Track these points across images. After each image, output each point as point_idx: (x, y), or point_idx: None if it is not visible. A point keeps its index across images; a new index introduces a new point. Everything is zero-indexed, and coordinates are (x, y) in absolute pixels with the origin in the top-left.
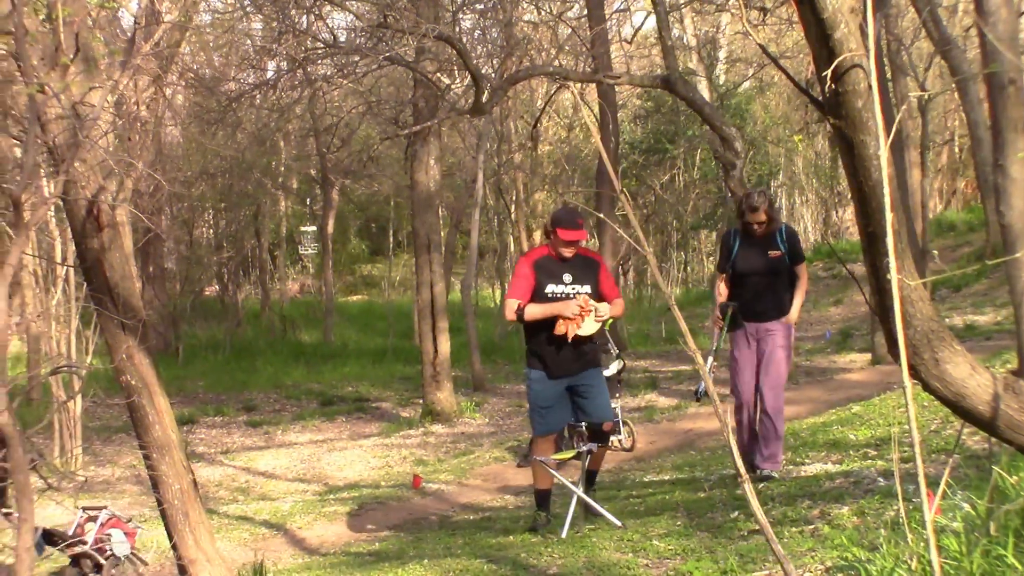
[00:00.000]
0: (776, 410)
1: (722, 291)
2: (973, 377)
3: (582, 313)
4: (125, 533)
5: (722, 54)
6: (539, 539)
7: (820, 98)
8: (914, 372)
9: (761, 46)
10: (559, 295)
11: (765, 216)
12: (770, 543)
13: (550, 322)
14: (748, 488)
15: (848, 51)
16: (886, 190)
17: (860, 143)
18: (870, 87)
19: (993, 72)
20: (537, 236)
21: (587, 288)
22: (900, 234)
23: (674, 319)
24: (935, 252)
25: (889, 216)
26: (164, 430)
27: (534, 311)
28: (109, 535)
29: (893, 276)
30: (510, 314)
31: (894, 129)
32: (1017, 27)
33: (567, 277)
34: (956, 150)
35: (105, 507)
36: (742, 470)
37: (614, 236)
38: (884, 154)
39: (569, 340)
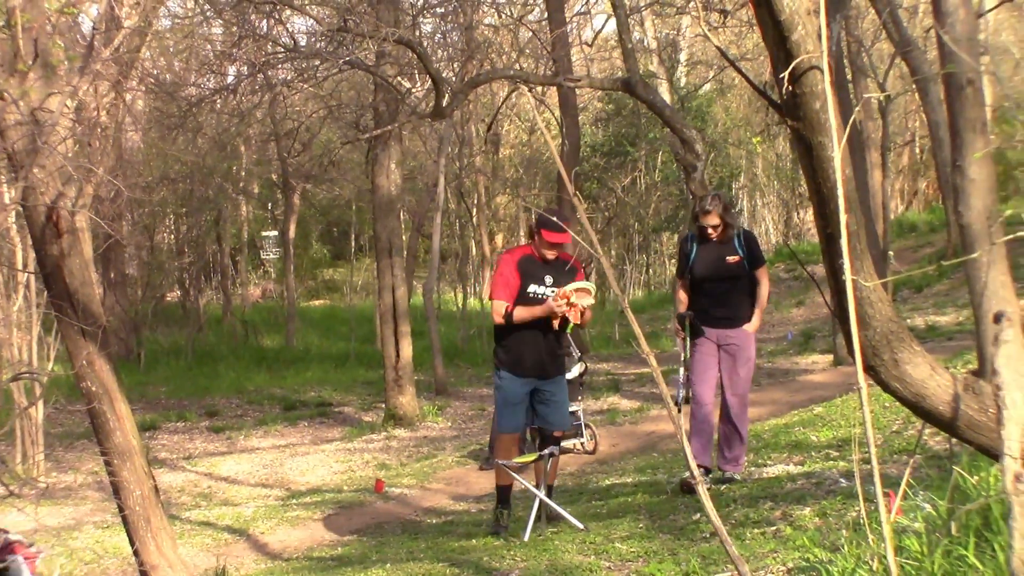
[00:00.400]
0: (741, 417)
1: (682, 298)
2: (933, 378)
3: (569, 306)
4: (25, 558)
5: (683, 57)
6: (501, 542)
7: (778, 100)
8: (874, 373)
9: (720, 49)
10: (540, 296)
11: (718, 220)
12: (724, 544)
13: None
14: (701, 490)
15: (805, 53)
16: (841, 191)
17: (818, 145)
18: (827, 88)
19: (951, 73)
20: (499, 240)
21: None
22: (859, 235)
23: (636, 321)
24: (891, 253)
25: (843, 217)
26: (125, 436)
27: (523, 314)
28: (6, 562)
29: (848, 277)
30: (498, 317)
31: (847, 130)
32: (975, 28)
33: (548, 279)
34: (917, 151)
35: (4, 531)
36: (696, 471)
37: (574, 240)
38: (839, 155)
39: (576, 321)
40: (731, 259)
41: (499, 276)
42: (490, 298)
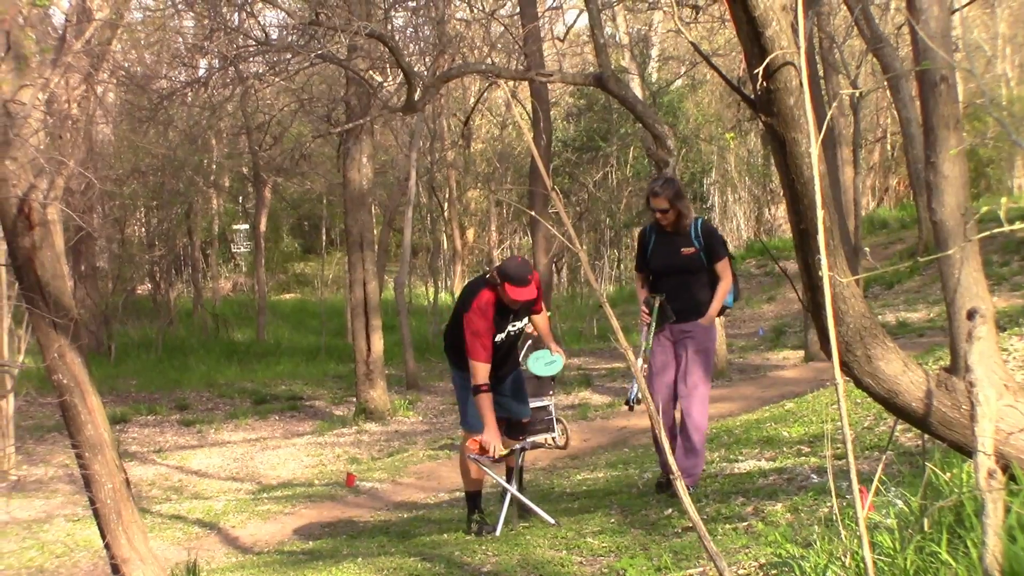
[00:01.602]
0: (697, 426)
1: (637, 288)
2: (906, 374)
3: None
4: None
5: (655, 52)
6: (473, 537)
7: (752, 96)
8: (846, 369)
9: (693, 44)
10: (504, 338)
11: (667, 204)
12: (702, 540)
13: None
14: (680, 485)
15: (779, 49)
16: (817, 187)
17: (792, 140)
18: (801, 85)
19: (925, 69)
20: (470, 234)
21: (524, 320)
22: (832, 231)
23: (607, 316)
24: (867, 249)
25: (820, 213)
26: (96, 429)
27: (483, 406)
28: None
29: (824, 273)
30: (476, 381)
31: (825, 126)
32: (949, 24)
33: (512, 318)
34: (888, 147)
35: None
36: (674, 467)
37: (547, 234)
38: (815, 151)
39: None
40: (686, 251)
41: (473, 338)
42: (471, 356)
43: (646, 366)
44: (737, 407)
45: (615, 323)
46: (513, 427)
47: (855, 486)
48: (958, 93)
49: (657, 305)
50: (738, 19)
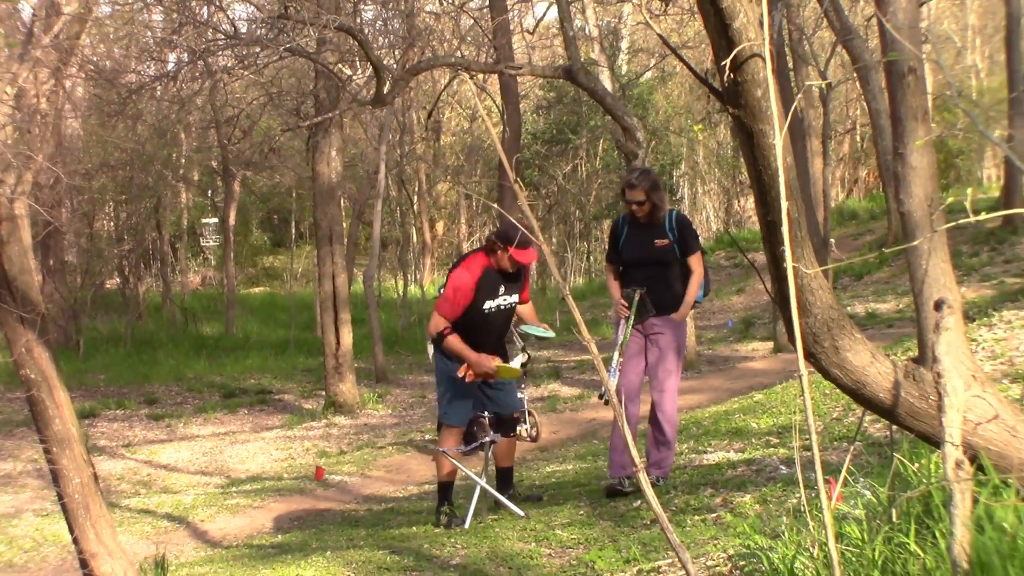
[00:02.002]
0: (669, 419)
1: (607, 281)
2: (873, 365)
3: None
4: None
5: (624, 44)
6: (442, 530)
7: (720, 88)
8: (814, 360)
9: (660, 36)
10: (494, 309)
11: (643, 196)
12: (665, 532)
13: (473, 321)
14: (643, 477)
15: (747, 41)
16: (782, 179)
17: (759, 132)
18: (769, 76)
19: (893, 61)
20: (439, 227)
21: (515, 296)
22: (799, 223)
23: (577, 308)
24: (832, 241)
25: (785, 205)
26: (64, 424)
27: (454, 346)
28: None
29: (789, 264)
30: (433, 329)
31: (790, 117)
32: (917, 16)
33: (502, 289)
34: (858, 139)
35: None
36: (637, 459)
37: (527, 226)
38: (780, 143)
39: (467, 381)
40: (659, 242)
41: (454, 289)
42: (436, 308)
43: (621, 359)
44: (706, 398)
45: (578, 316)
46: (503, 422)
47: (819, 478)
48: (926, 84)
49: (637, 299)
50: (705, 11)
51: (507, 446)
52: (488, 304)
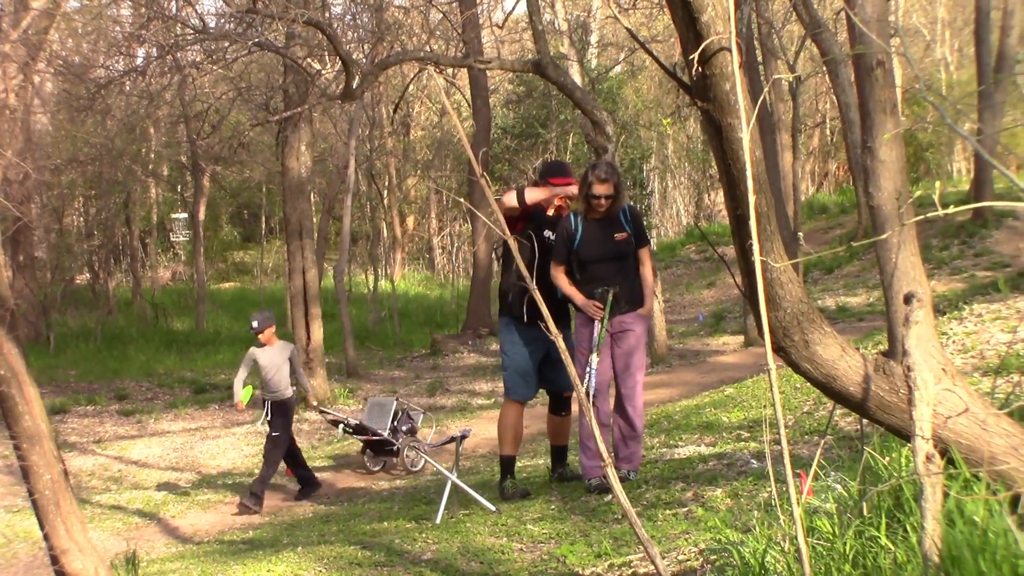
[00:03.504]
0: (639, 413)
1: (561, 284)
2: (843, 359)
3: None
4: None
5: (594, 38)
6: (413, 525)
7: (688, 82)
8: (784, 354)
9: (629, 30)
10: (550, 239)
11: (613, 189)
12: (633, 527)
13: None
14: (611, 472)
15: (715, 34)
16: (750, 172)
17: (728, 126)
18: (738, 69)
19: (861, 54)
20: (409, 222)
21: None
22: (768, 216)
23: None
24: (800, 234)
25: (753, 199)
26: (34, 420)
27: (533, 194)
28: None
29: (756, 258)
30: (509, 199)
31: (756, 110)
32: (886, 9)
33: (544, 227)
34: (828, 133)
35: None
36: (605, 456)
37: (493, 220)
38: (747, 136)
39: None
40: (619, 236)
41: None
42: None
43: (599, 359)
44: (677, 393)
45: (545, 311)
46: (557, 401)
47: (788, 473)
48: (895, 78)
49: (611, 298)
50: (673, 5)
51: (559, 424)
52: (548, 233)
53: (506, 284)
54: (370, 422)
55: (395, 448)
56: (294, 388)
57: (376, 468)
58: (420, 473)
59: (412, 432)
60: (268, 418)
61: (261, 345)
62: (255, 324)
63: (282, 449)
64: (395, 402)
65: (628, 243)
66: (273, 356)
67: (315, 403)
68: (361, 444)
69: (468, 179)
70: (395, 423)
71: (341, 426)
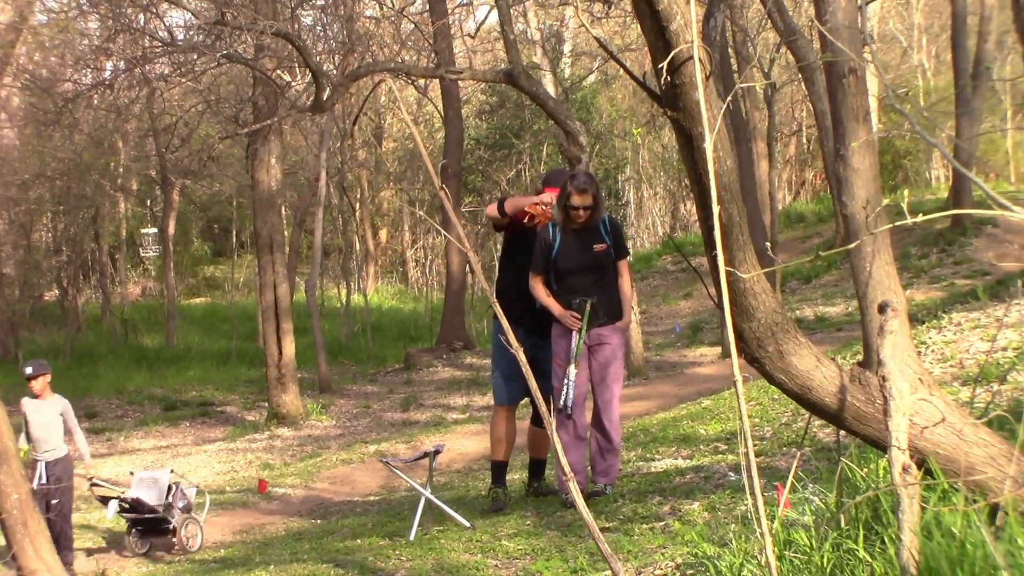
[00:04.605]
0: (616, 426)
1: (539, 294)
2: (819, 369)
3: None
4: None
5: (567, 48)
6: (387, 542)
7: (658, 91)
8: (758, 365)
9: (598, 39)
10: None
11: (592, 200)
12: (596, 541)
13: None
14: (574, 487)
15: (684, 43)
16: (713, 181)
17: (698, 135)
18: (708, 78)
19: (833, 62)
20: (382, 235)
21: None
22: (740, 226)
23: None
24: (768, 244)
25: (716, 208)
26: (1, 439)
27: (514, 203)
28: None
29: (721, 269)
30: (491, 209)
31: (720, 118)
32: (856, 16)
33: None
34: (804, 141)
35: None
36: (567, 468)
37: (456, 235)
38: (711, 144)
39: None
40: (598, 247)
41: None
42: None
43: (577, 371)
44: (654, 405)
45: (506, 325)
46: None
47: (756, 485)
48: (868, 85)
49: (588, 309)
50: (641, 13)
51: (539, 436)
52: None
53: (504, 284)
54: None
55: (171, 527)
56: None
57: (142, 550)
58: (199, 551)
59: (187, 510)
60: (44, 482)
61: (34, 396)
62: (28, 370)
63: (69, 513)
64: (168, 475)
65: (607, 254)
66: (44, 409)
67: (90, 473)
68: (126, 523)
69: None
70: (170, 498)
71: (112, 503)
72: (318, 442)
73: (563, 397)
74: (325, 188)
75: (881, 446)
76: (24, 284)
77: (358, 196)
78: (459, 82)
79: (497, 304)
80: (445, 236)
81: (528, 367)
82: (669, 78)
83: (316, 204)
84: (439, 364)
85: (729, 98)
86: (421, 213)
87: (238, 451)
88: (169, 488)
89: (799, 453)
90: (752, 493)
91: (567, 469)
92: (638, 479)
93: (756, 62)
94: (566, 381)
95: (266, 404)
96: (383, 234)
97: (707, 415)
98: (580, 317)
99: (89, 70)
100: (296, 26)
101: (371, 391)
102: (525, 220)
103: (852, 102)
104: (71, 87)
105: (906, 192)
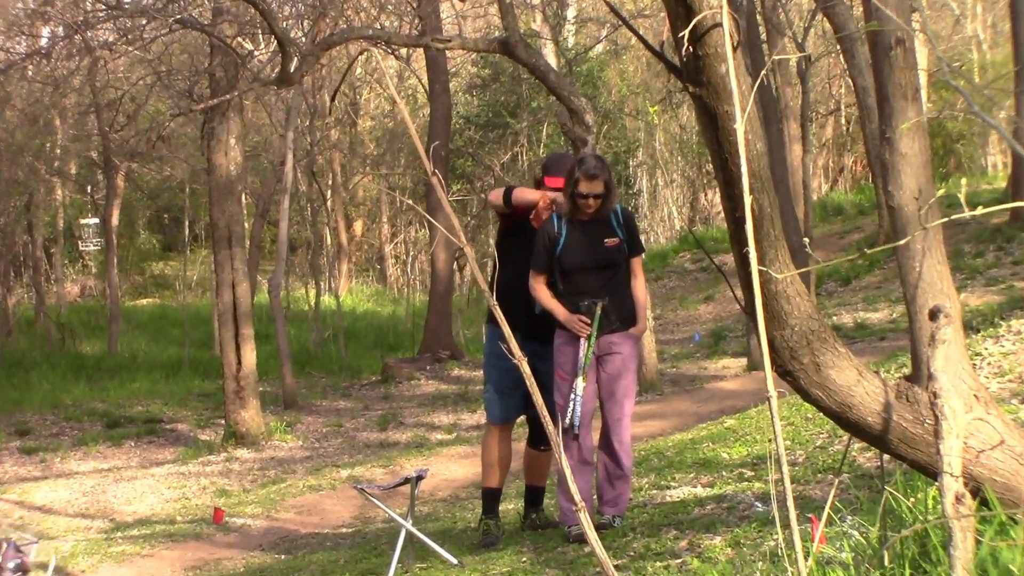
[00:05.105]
0: (627, 449)
1: (541, 297)
2: (861, 384)
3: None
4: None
5: (570, 13)
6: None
7: (678, 63)
8: (792, 379)
9: (607, 2)
10: None
11: (603, 188)
12: None
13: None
14: (584, 518)
15: (708, 8)
16: (745, 168)
17: (724, 114)
18: (736, 48)
19: (877, 31)
20: (357, 227)
21: None
22: (772, 219)
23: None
24: (806, 240)
25: (748, 198)
26: None
27: (524, 194)
28: None
29: (754, 268)
30: (495, 196)
31: (753, 97)
32: None
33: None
34: (843, 122)
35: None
36: (577, 496)
37: (447, 226)
38: (742, 125)
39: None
40: (610, 242)
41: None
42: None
43: (585, 384)
44: (670, 425)
45: (508, 331)
46: (538, 431)
47: (792, 516)
48: (917, 58)
49: (599, 312)
50: None
51: (537, 460)
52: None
53: (504, 282)
54: None
55: None
56: None
57: None
58: None
59: (23, 570)
60: None
61: None
62: None
63: None
64: None
65: (620, 250)
66: None
67: None
68: None
69: (424, 177)
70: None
71: None
72: (282, 465)
73: (568, 415)
74: (292, 173)
75: (931, 472)
76: None
77: (330, 182)
78: (447, 52)
79: (497, 307)
80: (429, 230)
81: (533, 379)
82: (691, 48)
83: (281, 191)
84: (422, 376)
85: (764, 72)
86: (410, 202)
87: (190, 475)
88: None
89: (836, 480)
90: (786, 526)
91: (577, 497)
92: (651, 510)
93: (789, 31)
94: (572, 396)
95: (223, 421)
96: (358, 226)
97: (730, 436)
98: (589, 322)
99: (23, 37)
100: None
101: (344, 407)
102: (531, 217)
103: (900, 77)
104: (2, 57)
105: (964, 181)
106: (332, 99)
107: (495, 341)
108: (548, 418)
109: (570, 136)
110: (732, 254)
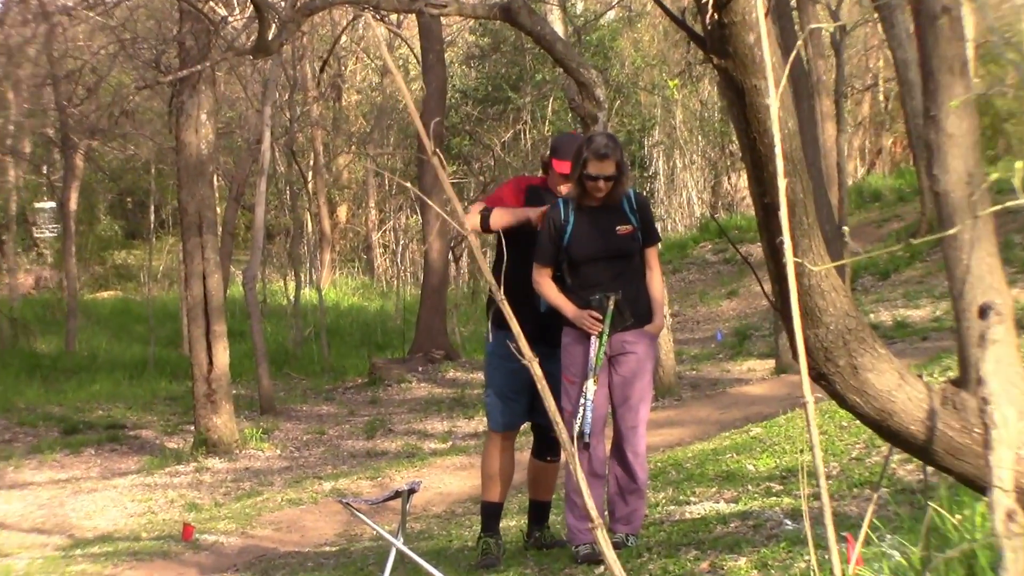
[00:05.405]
0: (639, 458)
1: (547, 292)
2: (902, 388)
3: None
4: None
5: None
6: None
7: (701, 32)
8: (827, 383)
9: None
10: None
11: (615, 169)
12: None
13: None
14: (601, 536)
15: None
16: (779, 149)
17: (752, 89)
18: (767, 15)
19: None
20: (341, 213)
21: None
22: (805, 206)
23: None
24: (845, 229)
25: (783, 183)
26: None
27: (503, 217)
28: None
29: (789, 260)
30: (472, 222)
31: (788, 68)
32: None
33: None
34: (881, 98)
35: None
36: (593, 512)
37: (446, 211)
38: (775, 102)
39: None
40: (622, 230)
41: (497, 190)
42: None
43: (596, 388)
44: (689, 433)
45: (516, 328)
46: (544, 440)
47: (830, 534)
48: (965, 29)
49: (612, 307)
50: None
51: (543, 472)
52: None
53: (507, 275)
54: None
55: None
56: None
57: None
58: None
59: None
60: None
61: None
62: None
63: None
64: None
65: (633, 239)
66: None
67: None
68: None
69: (417, 157)
70: None
71: None
72: (258, 477)
73: (578, 422)
74: (269, 152)
75: (979, 486)
76: None
77: (311, 163)
78: (442, 19)
79: (506, 302)
80: (422, 216)
81: (545, 382)
82: (715, 15)
83: (258, 173)
84: (413, 379)
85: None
86: (408, 184)
87: (157, 487)
88: None
89: (875, 495)
90: (820, 546)
91: (594, 514)
92: (668, 527)
93: None
94: (582, 401)
95: (192, 428)
96: (342, 212)
97: (756, 447)
98: (600, 318)
99: None
100: None
101: (326, 412)
102: (534, 221)
103: (946, 49)
104: None
105: (1019, 165)
106: (321, 69)
107: (501, 340)
108: (562, 424)
109: (578, 112)
110: (760, 244)
